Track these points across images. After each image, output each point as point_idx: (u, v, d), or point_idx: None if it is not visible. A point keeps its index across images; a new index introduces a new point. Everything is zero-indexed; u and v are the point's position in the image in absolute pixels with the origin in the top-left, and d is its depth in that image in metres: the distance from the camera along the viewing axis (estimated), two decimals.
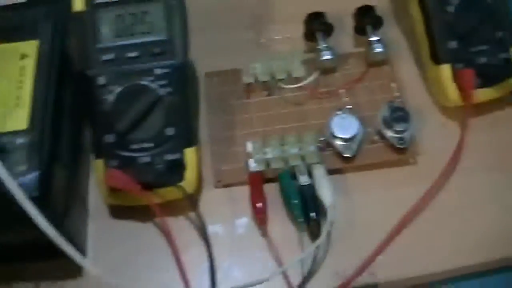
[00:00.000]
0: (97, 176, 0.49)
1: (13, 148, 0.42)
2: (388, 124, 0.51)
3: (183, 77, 0.50)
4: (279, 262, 0.48)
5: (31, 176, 0.41)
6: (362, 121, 0.52)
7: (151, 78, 0.49)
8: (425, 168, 0.52)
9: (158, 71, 0.49)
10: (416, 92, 0.57)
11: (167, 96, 0.48)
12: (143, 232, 0.50)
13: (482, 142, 0.54)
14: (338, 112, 0.52)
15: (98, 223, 0.51)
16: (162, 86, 0.48)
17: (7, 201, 0.39)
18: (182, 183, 0.48)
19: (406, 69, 0.58)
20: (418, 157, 0.53)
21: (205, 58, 0.56)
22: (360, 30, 0.57)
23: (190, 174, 0.48)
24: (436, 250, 0.49)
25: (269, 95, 0.55)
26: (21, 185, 0.40)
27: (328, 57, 0.55)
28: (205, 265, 0.47)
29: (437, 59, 0.53)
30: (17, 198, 0.39)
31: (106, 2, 0.49)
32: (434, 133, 0.54)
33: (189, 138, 0.49)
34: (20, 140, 0.43)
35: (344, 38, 0.59)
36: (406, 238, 0.49)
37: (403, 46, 0.60)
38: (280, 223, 0.50)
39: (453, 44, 0.53)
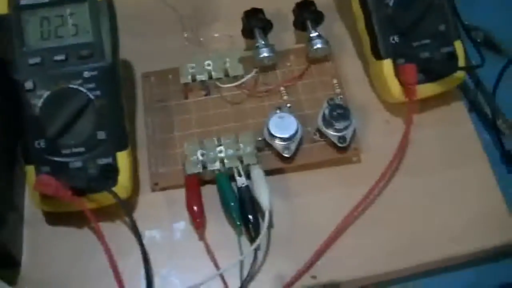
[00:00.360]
0: (28, 183, 0.48)
1: None
2: (327, 122, 0.50)
3: (113, 79, 0.49)
4: (217, 266, 0.47)
5: None
6: (303, 119, 0.51)
7: (80, 81, 0.48)
8: (369, 166, 0.51)
9: (86, 74, 0.48)
10: (360, 89, 0.56)
11: (97, 99, 0.47)
12: (79, 239, 0.49)
13: (428, 138, 0.53)
14: (277, 111, 0.50)
15: (33, 230, 0.50)
16: (91, 89, 0.47)
17: None
18: (114, 188, 0.47)
19: (350, 65, 0.57)
20: (362, 155, 0.52)
21: (143, 59, 0.56)
22: (300, 26, 0.56)
23: (123, 178, 0.48)
24: (380, 250, 0.48)
25: (207, 95, 0.54)
26: None
27: (266, 54, 0.53)
28: (143, 271, 0.46)
29: (378, 55, 0.52)
30: None
31: (31, 4, 0.48)
32: (378, 130, 0.54)
33: (122, 141, 0.49)
34: None
35: (285, 34, 0.58)
36: (348, 238, 0.49)
37: (347, 41, 0.59)
38: (219, 226, 0.49)
39: (394, 39, 0.52)
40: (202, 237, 0.48)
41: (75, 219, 0.49)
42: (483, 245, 0.49)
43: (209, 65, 0.53)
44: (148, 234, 0.49)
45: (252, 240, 0.47)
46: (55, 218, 0.50)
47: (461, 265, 0.50)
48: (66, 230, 0.50)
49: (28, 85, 0.47)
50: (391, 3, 0.52)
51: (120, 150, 0.48)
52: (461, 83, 0.55)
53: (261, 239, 0.47)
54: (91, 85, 0.47)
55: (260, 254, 0.48)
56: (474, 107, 0.57)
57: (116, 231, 0.49)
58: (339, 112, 0.50)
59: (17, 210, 0.50)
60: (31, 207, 0.51)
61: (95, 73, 0.48)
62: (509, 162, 0.55)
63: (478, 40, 0.60)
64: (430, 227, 0.49)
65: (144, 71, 0.56)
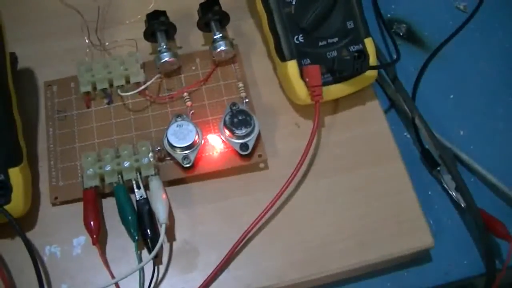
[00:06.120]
0: None
1: None
2: (229, 129, 0.48)
3: None
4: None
5: None
6: (207, 126, 0.49)
7: None
8: (278, 172, 0.49)
9: None
10: (270, 91, 0.53)
11: None
12: None
13: (340, 140, 0.51)
14: (177, 119, 0.48)
15: None
16: None
17: None
18: (7, 206, 0.45)
19: (260, 66, 0.54)
20: (270, 161, 0.50)
21: (45, 66, 0.53)
22: (204, 27, 0.53)
23: (16, 195, 0.46)
24: (287, 259, 0.46)
25: (109, 103, 0.52)
26: None
27: (167, 58, 0.51)
28: None
29: (282, 56, 0.50)
30: None
31: None
32: (288, 134, 0.51)
33: (13, 157, 0.47)
34: None
35: (194, 37, 0.56)
36: (254, 248, 0.47)
37: (258, 41, 0.56)
38: (120, 240, 0.47)
39: (298, 38, 0.49)
40: (102, 252, 0.46)
41: None
42: (394, 252, 0.46)
43: (109, 72, 0.50)
44: (48, 251, 0.47)
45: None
46: None
47: (376, 273, 0.48)
48: None
49: None
50: (293, 1, 0.49)
51: (12, 166, 0.46)
52: (381, 80, 0.53)
53: (159, 252, 0.45)
54: None
55: (162, 268, 0.46)
56: (394, 105, 0.55)
57: (14, 249, 0.47)
58: (241, 118, 0.48)
59: None
60: None
61: None
62: (427, 160, 0.52)
63: (401, 34, 0.58)
64: (340, 233, 0.47)
65: (47, 79, 0.53)
